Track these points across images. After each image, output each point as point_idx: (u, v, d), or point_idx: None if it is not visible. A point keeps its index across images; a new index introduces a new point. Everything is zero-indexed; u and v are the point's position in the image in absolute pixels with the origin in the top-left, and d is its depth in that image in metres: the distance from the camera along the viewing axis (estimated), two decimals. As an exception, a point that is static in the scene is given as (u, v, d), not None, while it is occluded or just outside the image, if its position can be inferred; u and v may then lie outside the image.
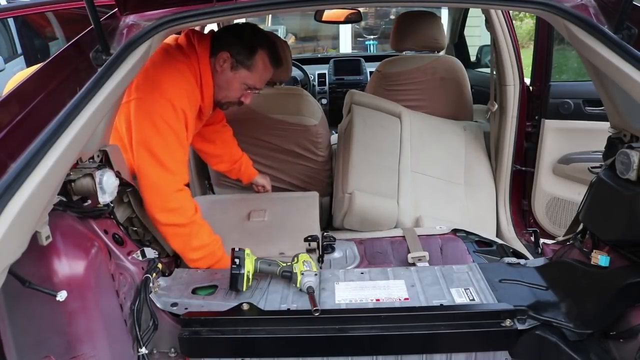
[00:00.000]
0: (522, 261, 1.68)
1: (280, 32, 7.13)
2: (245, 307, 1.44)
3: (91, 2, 1.15)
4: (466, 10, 3.92)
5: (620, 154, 1.31)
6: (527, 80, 2.54)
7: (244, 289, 1.50)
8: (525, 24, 9.81)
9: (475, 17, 4.52)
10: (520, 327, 1.39)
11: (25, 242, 0.96)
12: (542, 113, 2.45)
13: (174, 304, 1.48)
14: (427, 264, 1.79)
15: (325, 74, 4.30)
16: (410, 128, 2.57)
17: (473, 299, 1.46)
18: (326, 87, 4.27)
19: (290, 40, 7.46)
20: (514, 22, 2.48)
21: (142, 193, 1.59)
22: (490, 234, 2.22)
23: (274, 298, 1.50)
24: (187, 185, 1.69)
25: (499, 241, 2.07)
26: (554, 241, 1.86)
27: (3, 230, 0.85)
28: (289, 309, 1.44)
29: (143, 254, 1.53)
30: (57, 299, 1.12)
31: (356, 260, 1.89)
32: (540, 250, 1.86)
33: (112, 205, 1.48)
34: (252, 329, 1.42)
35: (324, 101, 4.22)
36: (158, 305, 1.47)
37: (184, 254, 1.69)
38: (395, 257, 1.90)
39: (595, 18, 1.21)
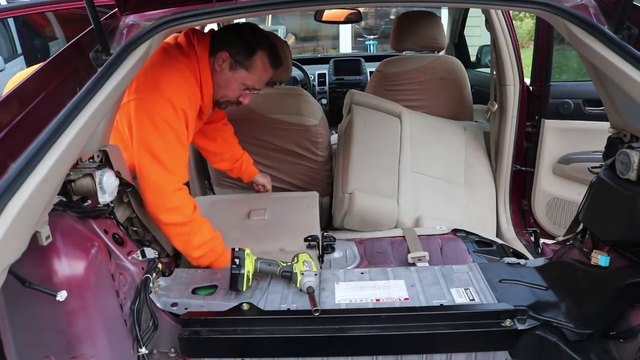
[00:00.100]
0: (522, 261, 1.68)
1: (280, 32, 7.13)
2: (245, 307, 1.44)
3: (91, 2, 1.15)
4: (466, 10, 3.92)
5: (620, 154, 1.31)
6: (527, 80, 2.54)
7: (244, 289, 1.50)
8: (525, 24, 9.81)
9: (475, 17, 4.52)
10: (520, 327, 1.39)
11: (25, 242, 0.96)
12: (542, 113, 2.45)
13: (174, 304, 1.48)
14: (427, 264, 1.79)
15: (325, 74, 4.29)
16: (410, 128, 2.57)
17: (473, 299, 1.46)
18: (326, 87, 4.26)
19: (290, 40, 7.46)
20: (514, 22, 2.48)
21: (142, 193, 1.60)
22: (490, 234, 2.22)
23: (274, 298, 1.50)
24: (187, 184, 1.69)
25: (499, 241, 2.07)
26: (554, 241, 1.86)
27: (3, 230, 0.85)
28: (289, 309, 1.44)
29: (143, 254, 1.54)
30: (57, 299, 1.13)
31: (356, 260, 1.89)
32: (540, 250, 1.86)
33: (112, 205, 1.48)
34: (252, 329, 1.42)
35: (324, 101, 4.22)
36: (158, 305, 1.47)
37: (186, 252, 1.69)
38: (395, 257, 1.90)
39: (595, 18, 1.21)
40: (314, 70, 4.26)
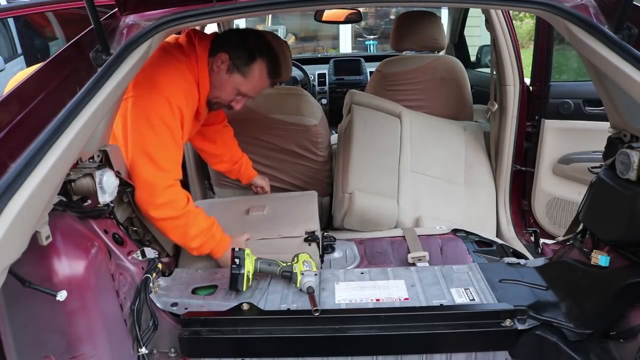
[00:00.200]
0: (522, 261, 1.68)
1: (280, 32, 7.13)
2: (245, 307, 1.44)
3: (91, 2, 1.15)
4: (466, 10, 3.92)
5: (620, 154, 1.31)
6: (527, 80, 2.54)
7: (244, 289, 1.50)
8: (525, 24, 9.81)
9: (475, 17, 4.52)
10: (520, 327, 1.39)
11: (25, 242, 0.96)
12: (542, 113, 2.45)
13: (174, 304, 1.48)
14: (427, 264, 1.79)
15: (325, 74, 4.29)
16: (410, 128, 2.57)
17: (473, 299, 1.46)
18: (326, 87, 4.26)
19: (290, 40, 7.46)
20: (514, 22, 2.48)
21: (135, 190, 1.58)
22: (490, 234, 2.22)
23: (274, 298, 1.50)
24: (182, 181, 1.68)
25: (499, 241, 2.07)
26: (554, 241, 1.86)
27: (3, 230, 0.85)
28: (289, 309, 1.44)
29: (143, 254, 1.54)
30: (57, 299, 1.13)
31: (356, 260, 1.89)
32: (540, 250, 1.86)
33: (112, 205, 1.48)
34: (252, 329, 1.42)
35: (324, 101, 4.22)
36: (158, 305, 1.47)
37: (185, 244, 1.68)
38: (395, 257, 1.90)
39: (595, 18, 1.21)
40: (314, 70, 4.25)
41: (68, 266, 1.18)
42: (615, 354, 1.34)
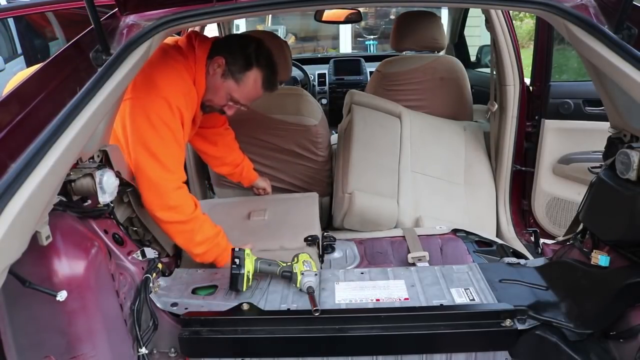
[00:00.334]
0: (522, 261, 1.68)
1: (280, 32, 7.12)
2: (245, 307, 1.44)
3: (91, 2, 1.15)
4: (466, 10, 3.92)
5: (620, 154, 1.31)
6: (527, 80, 2.54)
7: (244, 289, 1.50)
8: (525, 24, 9.81)
9: (475, 17, 4.52)
10: (520, 327, 1.39)
11: (26, 242, 0.96)
12: (542, 113, 2.45)
13: (174, 304, 1.48)
14: (427, 264, 1.79)
15: (325, 74, 4.29)
16: (410, 128, 2.57)
17: (473, 299, 1.46)
18: (326, 87, 4.26)
19: (290, 40, 7.45)
20: (514, 22, 2.48)
21: (141, 192, 1.59)
22: (490, 234, 2.23)
23: (274, 298, 1.50)
24: (186, 182, 1.69)
25: (499, 241, 2.07)
26: (554, 241, 1.86)
27: (3, 230, 0.85)
28: (289, 309, 1.44)
29: (143, 254, 1.54)
30: (57, 299, 1.13)
31: (356, 260, 1.89)
32: (540, 250, 1.86)
33: (112, 205, 1.48)
34: (252, 329, 1.42)
35: (324, 101, 4.22)
36: (158, 305, 1.47)
37: (189, 249, 1.68)
38: (395, 257, 1.90)
39: (595, 18, 1.21)
40: (314, 70, 4.25)
41: (68, 266, 1.18)
42: (615, 354, 1.34)
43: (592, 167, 1.54)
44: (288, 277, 1.54)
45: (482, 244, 1.98)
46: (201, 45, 1.72)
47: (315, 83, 4.25)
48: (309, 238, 1.80)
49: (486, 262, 1.84)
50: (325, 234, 1.95)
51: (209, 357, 1.48)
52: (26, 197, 0.90)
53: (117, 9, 1.33)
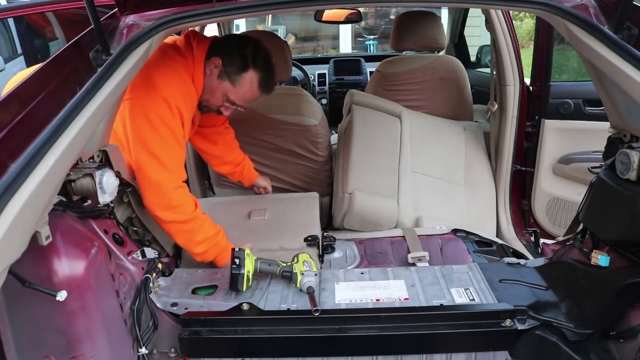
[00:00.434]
0: (522, 261, 1.68)
1: (280, 32, 7.12)
2: (245, 307, 1.44)
3: (91, 2, 1.15)
4: (466, 10, 3.92)
5: (620, 154, 1.31)
6: (527, 80, 2.54)
7: (244, 289, 1.50)
8: (525, 24, 9.81)
9: (475, 17, 4.52)
10: (520, 327, 1.39)
11: (25, 242, 0.96)
12: (542, 113, 2.45)
13: (174, 304, 1.48)
14: (427, 264, 1.79)
15: (325, 74, 4.29)
16: (410, 128, 2.57)
17: (473, 299, 1.46)
18: (326, 87, 4.26)
19: (290, 40, 7.45)
20: (514, 22, 2.48)
21: (142, 191, 1.59)
22: (490, 234, 2.23)
23: (274, 298, 1.50)
24: (186, 182, 1.69)
25: (499, 241, 2.07)
26: (554, 241, 1.86)
27: (3, 230, 0.85)
28: (289, 309, 1.44)
29: (143, 254, 1.54)
30: (57, 299, 1.13)
31: (356, 260, 1.89)
32: (540, 250, 1.86)
33: (112, 205, 1.48)
34: (252, 329, 1.42)
35: (324, 101, 4.22)
36: (158, 305, 1.47)
37: (189, 248, 1.68)
38: (395, 257, 1.90)
39: (595, 18, 1.21)
40: (314, 70, 4.25)
41: (68, 266, 1.18)
42: (615, 354, 1.34)
43: (592, 167, 1.54)
44: (288, 277, 1.54)
45: (482, 244, 1.98)
46: (199, 45, 1.72)
47: (315, 83, 4.25)
48: (309, 238, 1.80)
49: (486, 262, 1.84)
50: (325, 234, 1.95)
51: (209, 357, 1.48)
52: (26, 197, 0.90)
53: (117, 9, 1.33)
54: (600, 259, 1.41)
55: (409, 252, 1.87)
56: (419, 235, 1.98)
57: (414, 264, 1.79)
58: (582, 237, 1.57)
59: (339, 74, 4.29)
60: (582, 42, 1.20)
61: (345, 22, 3.84)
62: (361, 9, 4.20)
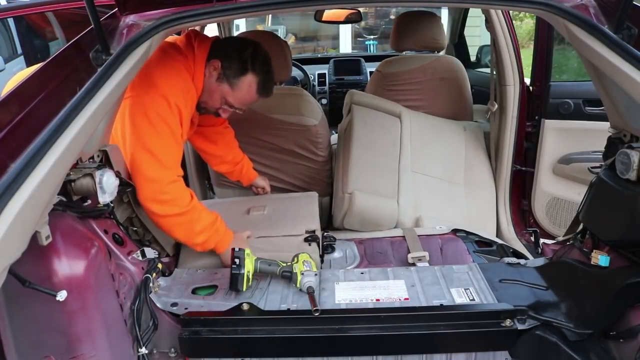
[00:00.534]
0: (522, 261, 1.68)
1: (280, 32, 7.13)
2: (245, 307, 1.44)
3: (91, 2, 1.15)
4: (466, 10, 3.92)
5: (620, 154, 1.31)
6: (527, 80, 2.54)
7: (244, 289, 1.50)
8: (525, 24, 9.81)
9: (475, 17, 4.52)
10: (520, 327, 1.39)
11: (25, 242, 0.96)
12: (542, 113, 2.45)
13: (174, 304, 1.48)
14: (427, 264, 1.79)
15: (325, 74, 4.29)
16: (410, 128, 2.57)
17: (473, 299, 1.46)
18: (326, 87, 4.26)
19: (290, 40, 7.46)
20: (514, 22, 2.48)
21: (137, 188, 1.58)
22: (490, 234, 2.22)
23: (274, 298, 1.50)
24: (186, 182, 1.68)
25: (499, 241, 2.07)
26: (554, 241, 1.86)
27: (3, 230, 0.85)
28: (289, 309, 1.45)
29: (143, 254, 1.54)
30: (57, 298, 1.13)
31: (356, 260, 1.89)
32: (540, 250, 1.86)
33: (112, 205, 1.48)
34: (252, 329, 1.43)
35: (324, 101, 4.22)
36: (158, 305, 1.47)
37: (189, 240, 1.67)
38: (395, 257, 1.90)
39: (595, 18, 1.21)
40: (314, 70, 4.25)
41: (68, 266, 1.18)
42: (615, 354, 1.34)
43: (592, 167, 1.54)
44: (288, 277, 1.54)
45: (482, 244, 1.98)
46: (201, 45, 1.72)
47: (315, 83, 4.25)
48: (309, 238, 1.80)
49: (486, 262, 1.84)
50: (325, 234, 1.95)
51: (209, 357, 1.48)
52: (26, 197, 0.90)
53: (117, 9, 1.33)
54: (600, 259, 1.41)
55: (409, 252, 1.87)
56: (419, 235, 1.98)
57: (414, 264, 1.79)
58: (582, 237, 1.57)
59: (339, 74, 4.29)
60: (582, 42, 1.20)
61: (345, 22, 3.85)
62: (361, 9, 4.20)
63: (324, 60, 4.51)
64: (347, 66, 4.34)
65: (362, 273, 1.62)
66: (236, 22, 4.56)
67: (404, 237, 2.00)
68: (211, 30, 3.71)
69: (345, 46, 7.79)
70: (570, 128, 2.41)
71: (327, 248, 1.91)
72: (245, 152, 2.31)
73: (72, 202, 1.33)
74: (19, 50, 5.53)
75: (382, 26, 8.41)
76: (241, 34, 2.78)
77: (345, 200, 2.19)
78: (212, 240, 1.68)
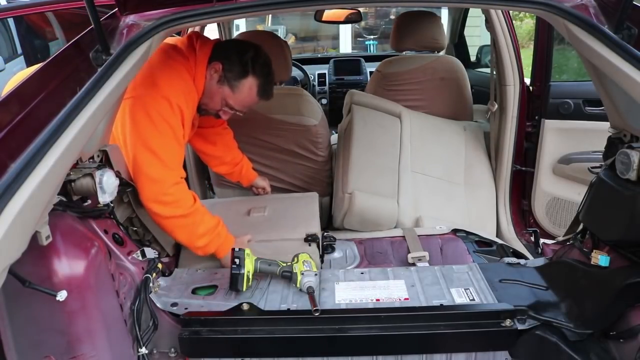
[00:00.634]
0: (522, 261, 1.68)
1: (280, 32, 7.13)
2: (245, 307, 1.44)
3: (91, 2, 1.15)
4: (466, 10, 3.92)
5: (620, 154, 1.31)
6: (527, 80, 2.55)
7: (244, 289, 1.50)
8: (525, 24, 9.81)
9: (475, 17, 4.52)
10: (520, 327, 1.39)
11: (25, 242, 0.96)
12: (542, 113, 2.45)
13: (174, 304, 1.48)
14: (427, 264, 1.79)
15: (325, 74, 4.29)
16: (410, 128, 2.57)
17: (473, 299, 1.46)
18: (326, 87, 4.26)
19: (290, 40, 7.45)
20: (514, 22, 2.48)
21: (140, 189, 1.58)
22: (490, 234, 2.23)
23: (274, 298, 1.50)
24: (186, 178, 1.68)
25: (499, 241, 2.07)
26: (554, 241, 1.86)
27: (3, 230, 0.85)
28: (289, 309, 1.45)
29: (143, 254, 1.54)
30: (57, 299, 1.13)
31: (356, 260, 1.89)
32: (540, 250, 1.86)
33: (112, 205, 1.48)
34: (252, 329, 1.43)
35: (324, 101, 4.22)
36: (158, 305, 1.47)
37: (191, 242, 1.67)
38: (395, 257, 1.90)
39: (595, 18, 1.21)
40: (314, 70, 4.26)
41: (68, 266, 1.18)
42: (615, 354, 1.34)
43: (592, 167, 1.54)
44: (288, 277, 1.54)
45: (482, 244, 1.98)
46: (202, 47, 1.72)
47: (315, 83, 4.25)
48: (309, 238, 1.80)
49: (486, 262, 1.84)
50: (325, 234, 1.95)
51: (209, 357, 1.48)
52: (26, 197, 0.90)
53: (117, 9, 1.33)
54: (600, 259, 1.41)
55: (409, 252, 1.87)
56: (419, 235, 1.98)
57: (414, 264, 1.79)
58: (582, 237, 1.57)
59: (339, 74, 4.29)
60: (582, 42, 1.20)
61: (345, 22, 3.85)
62: (361, 9, 4.20)
63: (324, 60, 4.52)
64: (347, 66, 4.34)
65: (362, 273, 1.62)
66: (236, 22, 4.56)
67: (404, 237, 2.00)
68: (211, 30, 3.71)
69: (345, 46, 7.79)
70: (570, 128, 2.41)
71: (327, 248, 1.91)
72: (245, 152, 2.31)
73: (72, 202, 1.33)
74: (19, 50, 5.54)
75: (382, 26, 8.41)
76: (241, 33, 2.78)
77: (345, 200, 2.19)
78: (213, 244, 1.68)
